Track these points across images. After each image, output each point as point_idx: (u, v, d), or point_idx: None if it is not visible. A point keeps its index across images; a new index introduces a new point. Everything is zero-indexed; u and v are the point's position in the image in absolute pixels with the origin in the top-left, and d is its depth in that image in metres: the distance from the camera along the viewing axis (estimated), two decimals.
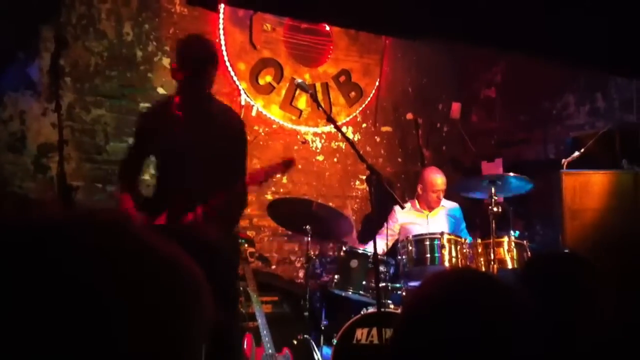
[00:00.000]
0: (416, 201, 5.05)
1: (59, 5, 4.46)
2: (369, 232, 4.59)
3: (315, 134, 5.58)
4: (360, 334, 3.95)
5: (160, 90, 4.90)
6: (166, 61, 4.93)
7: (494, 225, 4.22)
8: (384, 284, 4.08)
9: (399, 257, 4.36)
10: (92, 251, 0.60)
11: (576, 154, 4.69)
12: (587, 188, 4.40)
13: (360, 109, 5.75)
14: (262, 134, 5.30)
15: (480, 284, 1.07)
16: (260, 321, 3.79)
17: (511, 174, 4.45)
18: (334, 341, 4.00)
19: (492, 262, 4.17)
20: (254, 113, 5.24)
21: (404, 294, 4.22)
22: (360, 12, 3.22)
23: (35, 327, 0.56)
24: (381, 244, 4.52)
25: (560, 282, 1.74)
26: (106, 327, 0.58)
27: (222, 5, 5.02)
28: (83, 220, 0.64)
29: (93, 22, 4.64)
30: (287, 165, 3.64)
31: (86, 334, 0.57)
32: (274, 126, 5.36)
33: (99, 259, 0.60)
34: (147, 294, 0.61)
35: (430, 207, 4.97)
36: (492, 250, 4.20)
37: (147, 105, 4.82)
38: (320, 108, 3.57)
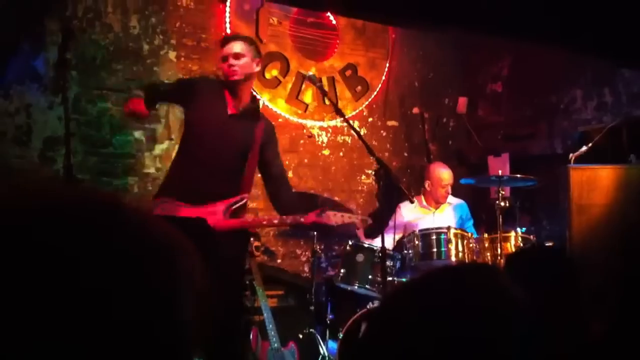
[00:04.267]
0: (422, 198, 5.03)
1: None
2: (376, 226, 4.57)
3: (321, 128, 5.57)
4: None
5: None
6: (172, 54, 4.92)
7: (500, 220, 4.22)
8: (390, 278, 4.07)
9: (405, 252, 4.35)
10: (88, 233, 0.60)
11: (584, 148, 4.67)
12: (595, 183, 4.37)
13: (367, 103, 5.74)
14: None
15: (469, 282, 1.04)
16: (266, 315, 3.80)
17: (517, 175, 4.47)
18: (340, 335, 4.00)
19: (499, 257, 4.17)
20: (260, 107, 5.23)
21: None
22: (368, 1, 3.21)
23: (33, 311, 0.56)
24: (388, 239, 4.51)
25: (541, 278, 1.71)
26: (107, 307, 0.58)
27: (228, 2, 5.00)
28: (79, 202, 0.64)
29: (99, 15, 4.63)
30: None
31: (86, 315, 0.57)
32: (280, 120, 5.35)
33: (96, 240, 0.60)
34: (143, 272, 0.62)
35: (438, 202, 4.95)
36: (498, 245, 4.19)
37: None
38: (329, 101, 3.59)
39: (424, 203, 5.00)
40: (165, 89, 3.87)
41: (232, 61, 3.40)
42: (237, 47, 3.43)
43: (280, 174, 3.70)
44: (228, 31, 5.07)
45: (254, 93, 3.70)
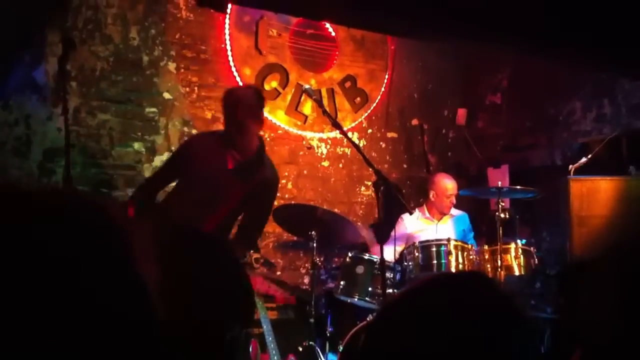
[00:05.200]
0: (425, 209, 5.02)
1: (65, 9, 4.46)
2: (376, 237, 4.56)
3: (320, 140, 5.56)
4: None
5: (166, 95, 4.89)
6: (172, 66, 4.92)
7: (500, 231, 4.21)
8: (390, 290, 4.05)
9: (405, 263, 4.34)
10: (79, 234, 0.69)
11: (583, 159, 4.67)
12: (595, 194, 4.37)
13: (366, 114, 5.74)
14: (268, 139, 5.28)
15: (457, 290, 1.04)
16: (266, 327, 3.77)
17: (517, 186, 4.47)
18: (340, 348, 3.98)
19: (499, 269, 4.15)
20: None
21: None
22: (367, 10, 3.22)
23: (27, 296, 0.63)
24: (390, 250, 4.49)
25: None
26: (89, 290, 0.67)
27: (229, 11, 5.02)
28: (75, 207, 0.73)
29: (99, 27, 4.64)
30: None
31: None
32: (280, 131, 5.35)
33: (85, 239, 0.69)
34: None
35: (442, 213, 4.94)
36: (499, 256, 4.18)
37: (153, 109, 4.82)
38: (326, 114, 3.58)
39: (427, 214, 4.99)
40: (156, 186, 3.81)
41: None
42: None
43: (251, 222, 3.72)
44: (228, 43, 5.08)
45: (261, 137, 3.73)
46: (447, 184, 4.90)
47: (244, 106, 3.57)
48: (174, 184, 3.80)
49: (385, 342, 0.99)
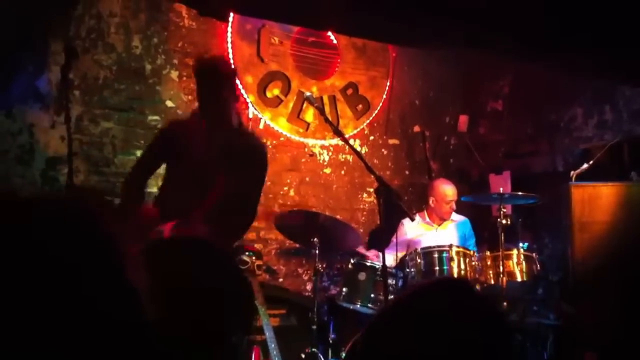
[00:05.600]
0: (425, 214, 5.03)
1: (68, 18, 4.49)
2: (377, 244, 4.56)
3: (322, 147, 5.58)
4: None
5: (169, 103, 4.91)
6: (174, 74, 4.95)
7: (502, 237, 4.21)
8: (392, 297, 4.06)
9: (407, 270, 4.34)
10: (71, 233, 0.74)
11: (585, 166, 4.68)
12: (596, 200, 4.37)
13: (368, 121, 5.75)
14: (270, 146, 5.30)
15: (450, 295, 1.06)
16: (268, 334, 3.77)
17: (519, 193, 4.47)
18: (342, 355, 3.98)
19: (501, 275, 4.15)
20: (261, 126, 5.25)
21: None
22: (367, 20, 3.24)
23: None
24: (389, 257, 4.50)
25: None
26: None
27: (231, 18, 5.05)
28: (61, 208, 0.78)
29: (102, 36, 4.67)
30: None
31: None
32: (282, 139, 5.37)
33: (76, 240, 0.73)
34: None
35: (442, 219, 4.95)
36: (501, 262, 4.18)
37: (155, 117, 4.85)
38: (327, 122, 3.59)
39: (427, 219, 5.00)
40: (142, 174, 3.69)
41: None
42: None
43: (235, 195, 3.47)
44: (230, 50, 5.11)
45: (243, 115, 3.66)
46: (447, 190, 4.91)
47: (231, 82, 3.48)
48: (162, 170, 3.68)
49: (382, 341, 1.01)
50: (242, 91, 5.14)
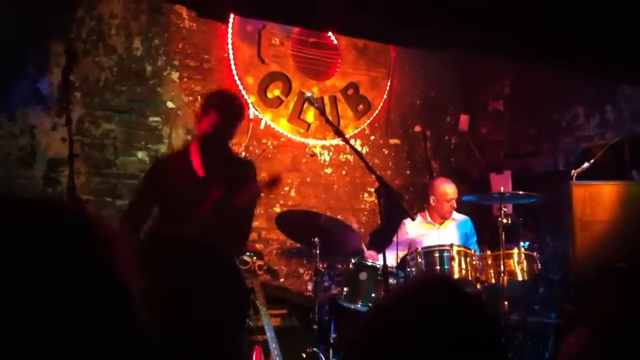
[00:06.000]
0: (426, 214, 5.03)
1: (69, 20, 4.51)
2: (378, 244, 4.57)
3: (323, 147, 5.59)
4: None
5: (170, 105, 4.93)
6: (175, 75, 4.96)
7: (503, 236, 4.21)
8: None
9: (408, 269, 4.35)
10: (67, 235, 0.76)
11: (586, 165, 4.68)
12: (597, 199, 4.37)
13: (368, 121, 5.76)
14: (271, 147, 5.32)
15: (440, 293, 1.07)
16: (269, 334, 3.78)
17: (520, 192, 4.47)
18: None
19: (502, 274, 4.15)
20: (262, 126, 5.26)
21: None
22: (367, 21, 3.24)
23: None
24: (390, 257, 4.50)
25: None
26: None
27: (231, 20, 5.06)
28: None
29: (103, 38, 4.68)
30: (271, 184, 3.67)
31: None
32: (282, 139, 5.38)
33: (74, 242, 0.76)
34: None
35: (443, 217, 4.95)
36: (501, 261, 4.18)
37: (156, 119, 4.86)
38: (328, 122, 3.60)
39: (429, 219, 5.00)
40: (140, 211, 3.69)
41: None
42: None
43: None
44: (230, 52, 5.12)
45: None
46: (447, 189, 4.91)
47: (240, 120, 3.61)
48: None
49: (377, 336, 1.03)
50: (243, 92, 5.15)
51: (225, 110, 3.53)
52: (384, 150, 5.92)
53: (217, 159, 3.55)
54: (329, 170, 5.62)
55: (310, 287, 5.26)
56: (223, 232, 3.44)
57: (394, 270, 4.31)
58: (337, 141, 5.51)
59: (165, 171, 3.60)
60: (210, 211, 3.43)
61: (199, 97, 5.04)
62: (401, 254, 4.66)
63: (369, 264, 4.30)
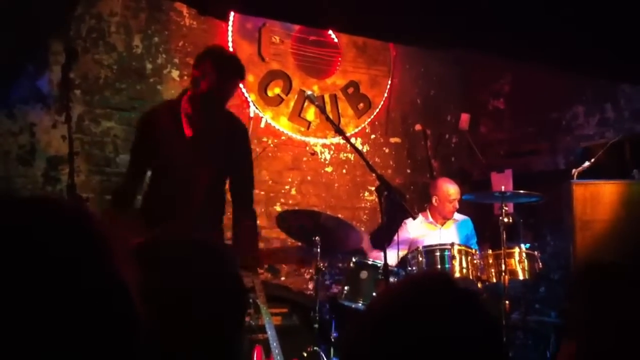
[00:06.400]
0: (428, 214, 5.02)
1: (68, 18, 4.49)
2: (379, 243, 4.56)
3: (324, 145, 5.58)
4: None
5: None
6: (175, 73, 4.95)
7: (504, 236, 4.21)
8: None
9: (409, 268, 4.34)
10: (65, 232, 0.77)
11: (586, 164, 4.67)
12: (598, 198, 4.37)
13: (369, 120, 5.75)
14: (271, 145, 5.31)
15: (435, 291, 1.06)
16: (270, 333, 3.77)
17: (521, 191, 4.47)
18: None
19: (503, 273, 4.15)
20: (262, 125, 5.25)
21: None
22: (368, 19, 3.24)
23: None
24: (391, 255, 4.50)
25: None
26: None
27: (231, 17, 5.05)
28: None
29: (103, 35, 4.67)
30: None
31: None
32: (283, 137, 5.37)
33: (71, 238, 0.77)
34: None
35: (445, 217, 4.95)
36: (503, 261, 4.18)
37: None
38: (329, 120, 3.58)
39: (430, 219, 4.99)
40: (132, 181, 3.57)
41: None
42: None
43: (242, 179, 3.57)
44: (230, 49, 5.10)
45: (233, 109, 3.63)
46: (450, 189, 4.91)
47: (238, 80, 3.46)
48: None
49: (370, 333, 1.03)
50: (243, 90, 5.13)
51: (223, 67, 3.29)
52: (384, 148, 5.91)
53: (208, 120, 3.35)
54: (329, 169, 5.62)
55: (311, 285, 5.25)
56: (219, 207, 3.46)
57: (395, 269, 4.31)
58: (338, 140, 5.50)
59: (152, 126, 3.40)
60: (204, 195, 3.34)
61: None
62: (402, 253, 4.66)
63: (370, 262, 4.29)
